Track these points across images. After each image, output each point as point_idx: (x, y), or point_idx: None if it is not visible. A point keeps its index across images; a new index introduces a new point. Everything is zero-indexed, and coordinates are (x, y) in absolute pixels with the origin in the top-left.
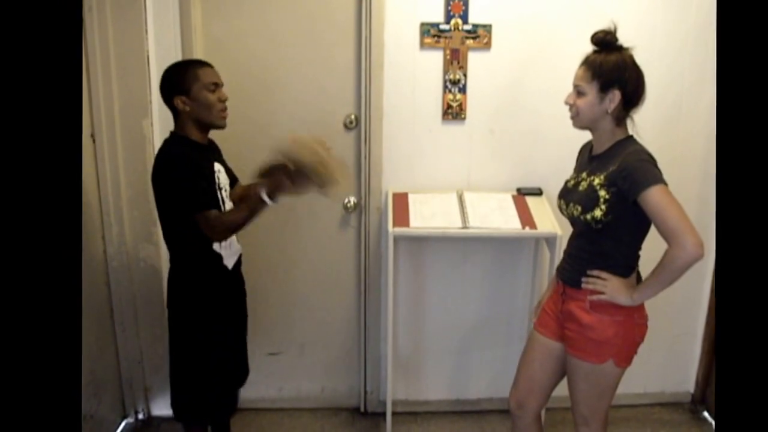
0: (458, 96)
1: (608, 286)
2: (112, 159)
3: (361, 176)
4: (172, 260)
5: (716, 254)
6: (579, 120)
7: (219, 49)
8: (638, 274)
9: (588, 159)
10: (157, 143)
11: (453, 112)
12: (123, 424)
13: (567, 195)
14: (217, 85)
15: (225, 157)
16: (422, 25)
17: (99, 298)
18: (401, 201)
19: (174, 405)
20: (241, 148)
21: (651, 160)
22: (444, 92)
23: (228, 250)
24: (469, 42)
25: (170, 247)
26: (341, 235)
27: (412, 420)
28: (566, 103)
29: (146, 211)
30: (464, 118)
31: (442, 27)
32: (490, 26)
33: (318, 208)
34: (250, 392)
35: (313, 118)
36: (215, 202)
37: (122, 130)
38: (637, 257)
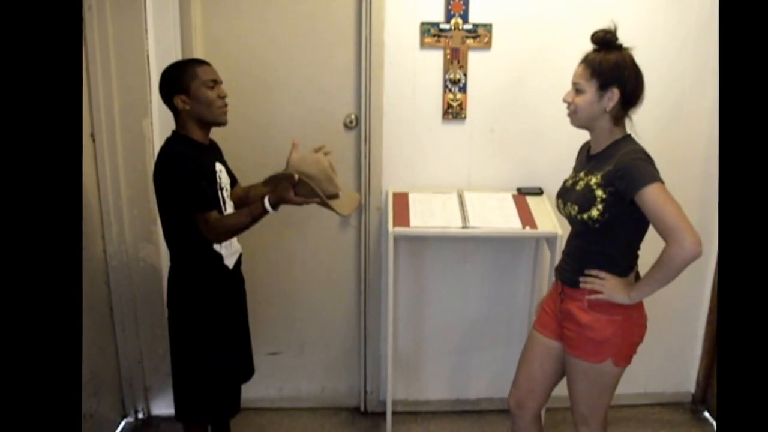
0: (458, 95)
1: (606, 285)
2: (111, 158)
3: (362, 176)
4: (172, 260)
5: (719, 255)
6: (577, 118)
7: (219, 48)
8: (637, 273)
9: (586, 158)
10: (157, 142)
11: (453, 112)
12: (123, 423)
13: (565, 194)
14: (215, 82)
15: (225, 157)
16: (422, 24)
17: (99, 297)
18: (401, 201)
19: (176, 404)
20: (241, 148)
21: (648, 159)
22: (444, 92)
23: (228, 250)
24: (470, 41)
25: (170, 247)
26: (341, 234)
27: (412, 420)
28: (565, 100)
29: (146, 210)
30: (464, 118)
31: (443, 26)
32: (490, 26)
33: (318, 208)
34: (250, 392)
35: (313, 118)
36: (216, 203)
37: (122, 129)
38: (636, 257)
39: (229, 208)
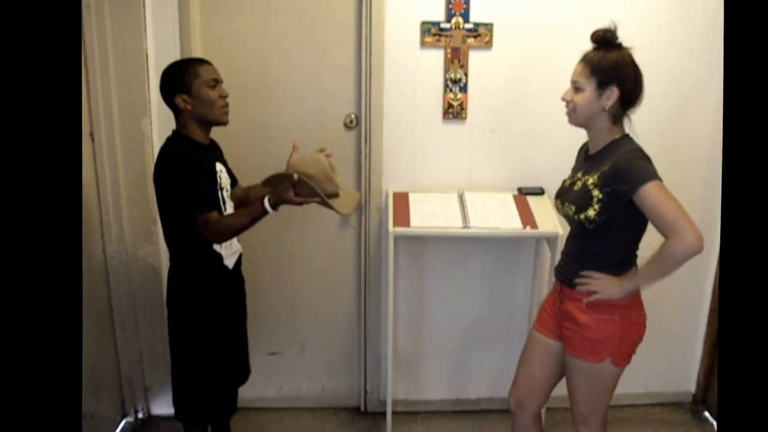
0: (459, 95)
1: (600, 285)
2: (111, 158)
3: (362, 176)
4: (172, 259)
5: (720, 254)
6: (575, 116)
7: (218, 47)
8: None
9: (584, 158)
10: (156, 142)
11: (454, 112)
12: (123, 423)
13: (563, 195)
14: (217, 82)
15: (225, 156)
16: (423, 23)
17: (98, 297)
18: (402, 200)
19: (176, 404)
20: (241, 148)
21: (645, 158)
22: (445, 91)
23: (228, 250)
24: (470, 41)
25: (170, 246)
26: (341, 234)
27: (412, 419)
28: (563, 99)
29: (145, 210)
30: (465, 118)
31: (443, 26)
32: (491, 25)
33: (318, 208)
34: (250, 392)
35: (313, 118)
36: (216, 203)
37: (121, 128)
38: (635, 256)
39: (230, 208)
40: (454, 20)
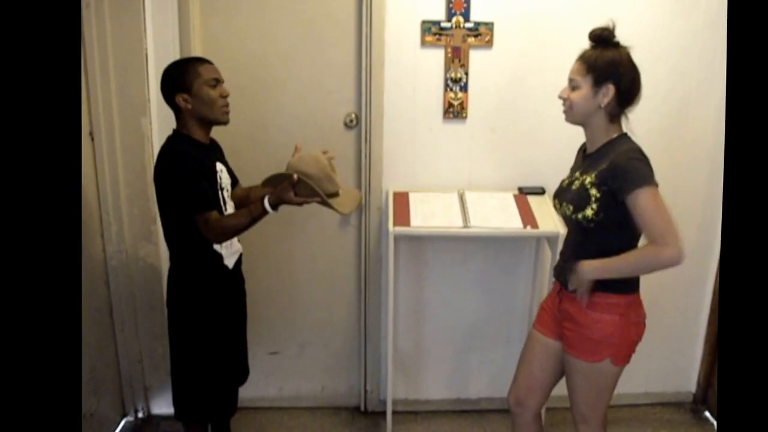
0: (459, 94)
1: (574, 283)
2: (110, 157)
3: (362, 175)
4: (172, 259)
5: (720, 255)
6: (572, 114)
7: (218, 47)
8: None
9: (582, 158)
10: (156, 141)
11: (454, 111)
12: (123, 422)
13: (561, 194)
14: (218, 81)
15: (225, 156)
16: (423, 23)
17: (98, 297)
18: (402, 200)
19: (176, 404)
20: (241, 148)
21: (643, 159)
22: (445, 91)
23: (228, 250)
24: (471, 40)
25: (170, 246)
26: (341, 234)
27: (413, 419)
28: (560, 97)
29: (145, 209)
30: (465, 117)
31: (444, 25)
32: (492, 24)
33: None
34: (250, 392)
35: (313, 118)
36: (216, 203)
37: (121, 128)
38: None
39: (230, 208)
40: (454, 19)
